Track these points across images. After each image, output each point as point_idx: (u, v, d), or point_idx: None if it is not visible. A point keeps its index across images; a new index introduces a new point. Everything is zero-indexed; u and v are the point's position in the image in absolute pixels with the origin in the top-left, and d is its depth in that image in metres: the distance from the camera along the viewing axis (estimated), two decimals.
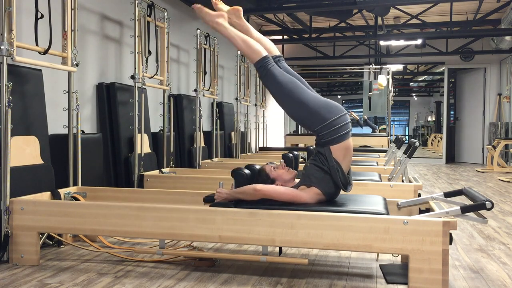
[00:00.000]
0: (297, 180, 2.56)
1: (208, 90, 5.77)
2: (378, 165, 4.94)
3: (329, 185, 2.40)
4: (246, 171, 2.54)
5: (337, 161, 2.38)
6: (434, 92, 20.86)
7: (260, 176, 2.52)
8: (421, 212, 2.61)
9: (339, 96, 22.46)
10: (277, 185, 2.50)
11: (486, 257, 2.89)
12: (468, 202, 2.26)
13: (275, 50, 2.65)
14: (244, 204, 2.44)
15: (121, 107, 4.22)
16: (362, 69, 10.96)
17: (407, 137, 21.95)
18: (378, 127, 13.82)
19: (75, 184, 3.25)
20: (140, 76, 4.12)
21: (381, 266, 2.62)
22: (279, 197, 2.37)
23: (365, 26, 9.17)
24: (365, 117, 12.26)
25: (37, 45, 2.98)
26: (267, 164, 2.60)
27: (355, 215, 2.24)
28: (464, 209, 2.17)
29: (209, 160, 5.67)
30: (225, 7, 2.73)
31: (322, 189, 2.39)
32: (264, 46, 2.60)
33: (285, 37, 9.67)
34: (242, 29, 2.67)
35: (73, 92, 3.26)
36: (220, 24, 2.60)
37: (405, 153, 3.88)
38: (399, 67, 13.11)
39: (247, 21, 10.12)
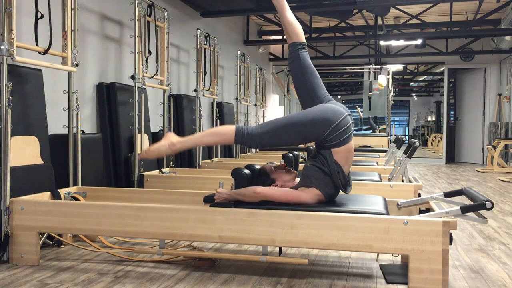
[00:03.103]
0: (297, 180, 2.56)
1: (208, 90, 5.77)
2: (378, 165, 4.94)
3: (329, 186, 2.40)
4: (246, 171, 2.54)
5: (338, 163, 2.36)
6: (434, 92, 20.87)
7: (260, 176, 2.52)
8: (421, 212, 2.61)
9: (339, 96, 22.47)
10: (277, 185, 2.50)
11: (486, 257, 2.89)
12: (468, 202, 2.26)
13: (302, 37, 2.61)
14: (244, 204, 2.44)
15: (121, 107, 4.22)
16: (362, 69, 10.96)
17: (407, 137, 21.95)
18: (378, 127, 13.83)
19: (75, 184, 3.25)
20: (140, 76, 4.12)
21: (381, 266, 2.62)
22: (279, 199, 2.37)
23: (365, 26, 9.18)
24: (369, 116, 12.30)
25: (37, 45, 2.98)
26: (267, 164, 2.61)
27: (355, 215, 2.24)
28: (464, 209, 2.17)
29: (209, 160, 5.68)
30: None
31: (322, 190, 2.39)
32: (294, 30, 2.60)
33: (285, 37, 9.66)
34: None
35: (73, 92, 3.26)
36: (177, 143, 2.46)
37: (405, 153, 3.88)
38: (399, 67, 13.12)
39: (247, 21, 10.09)
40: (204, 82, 5.59)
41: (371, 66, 10.53)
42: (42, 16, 3.05)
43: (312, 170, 2.41)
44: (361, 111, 12.50)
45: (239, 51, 7.02)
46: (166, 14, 4.61)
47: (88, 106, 4.04)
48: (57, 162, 3.25)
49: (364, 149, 7.82)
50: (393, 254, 2.82)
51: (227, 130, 2.38)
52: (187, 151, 5.52)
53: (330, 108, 2.34)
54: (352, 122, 2.41)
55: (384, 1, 6.34)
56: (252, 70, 8.62)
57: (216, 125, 6.09)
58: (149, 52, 4.29)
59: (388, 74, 10.20)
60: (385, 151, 7.13)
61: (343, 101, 22.61)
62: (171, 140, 2.43)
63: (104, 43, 4.28)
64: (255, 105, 8.48)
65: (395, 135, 8.74)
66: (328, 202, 2.44)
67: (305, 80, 2.48)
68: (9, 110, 2.63)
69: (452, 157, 11.38)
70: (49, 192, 2.93)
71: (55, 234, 2.92)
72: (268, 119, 9.47)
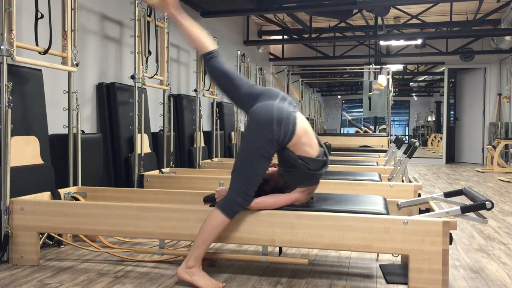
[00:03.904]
0: None
1: (208, 90, 5.77)
2: (378, 165, 4.94)
3: (308, 177, 2.34)
4: None
5: (301, 156, 2.28)
6: (434, 92, 20.88)
7: None
8: (421, 212, 2.61)
9: (339, 96, 22.47)
10: (270, 184, 2.50)
11: (486, 257, 2.89)
12: (468, 202, 2.26)
13: (207, 47, 2.47)
14: None
15: (121, 107, 4.22)
16: (362, 69, 10.97)
17: (407, 137, 21.96)
18: (364, 127, 13.82)
19: (75, 184, 3.25)
20: (140, 76, 4.12)
21: (381, 266, 2.62)
22: (272, 207, 2.36)
23: (365, 26, 9.18)
24: (350, 117, 12.29)
25: (37, 45, 2.98)
26: None
27: (355, 215, 2.24)
28: (464, 209, 2.17)
29: (209, 160, 5.67)
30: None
31: (304, 185, 2.36)
32: (196, 44, 2.49)
33: (285, 37, 9.68)
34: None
35: (73, 92, 3.26)
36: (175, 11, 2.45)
37: (405, 153, 3.88)
38: (399, 67, 13.12)
39: (247, 21, 10.09)
40: (204, 82, 5.59)
41: (371, 66, 10.54)
42: (42, 16, 3.05)
43: (285, 175, 2.39)
44: (349, 115, 12.60)
45: (239, 51, 7.02)
46: (166, 14, 4.61)
47: (88, 106, 4.04)
48: (57, 162, 3.25)
49: (364, 149, 7.82)
50: (393, 254, 2.82)
51: (218, 221, 2.25)
52: (187, 151, 5.52)
53: (262, 113, 2.21)
54: (288, 101, 2.31)
55: (384, 1, 6.34)
56: (252, 70, 8.62)
57: (216, 125, 6.09)
58: (149, 52, 4.29)
59: (388, 74, 10.20)
60: (385, 151, 7.14)
61: (343, 101, 22.63)
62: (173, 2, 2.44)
63: (104, 43, 4.28)
64: None
65: (395, 135, 8.75)
66: (328, 202, 2.44)
67: (228, 87, 2.40)
68: (9, 110, 2.63)
69: (452, 157, 11.38)
70: (49, 192, 2.93)
71: (55, 234, 2.92)
72: None
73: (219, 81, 2.43)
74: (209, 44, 2.44)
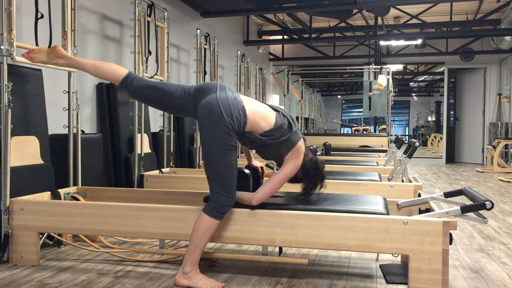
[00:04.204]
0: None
1: None
2: (378, 165, 4.94)
3: (283, 144, 2.32)
4: (247, 171, 2.53)
5: (263, 133, 2.28)
6: (434, 92, 20.87)
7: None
8: (421, 212, 2.61)
9: (339, 96, 22.47)
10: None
11: (486, 257, 2.89)
12: (468, 202, 2.27)
13: (118, 75, 2.41)
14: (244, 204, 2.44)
15: (121, 107, 4.22)
16: (362, 69, 10.97)
17: (407, 137, 21.96)
18: (355, 126, 13.83)
19: (75, 184, 3.25)
20: (140, 76, 4.12)
21: (381, 266, 2.62)
22: (273, 191, 2.35)
23: (365, 26, 9.18)
24: (340, 122, 12.40)
25: (37, 45, 2.98)
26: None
27: (355, 215, 2.24)
28: (464, 209, 2.17)
29: None
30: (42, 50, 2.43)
31: (286, 151, 2.34)
32: (107, 78, 2.41)
33: (285, 37, 9.68)
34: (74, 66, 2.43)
35: (73, 92, 3.26)
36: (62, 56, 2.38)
37: (405, 153, 3.88)
38: (399, 67, 13.12)
39: (247, 21, 10.05)
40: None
41: (371, 66, 10.53)
42: (42, 16, 3.05)
43: (262, 154, 2.39)
44: (337, 120, 12.71)
45: (239, 51, 7.02)
46: (166, 14, 4.61)
47: (88, 106, 4.04)
48: (57, 162, 3.25)
49: (364, 149, 7.82)
50: (393, 254, 2.82)
51: (207, 224, 2.24)
52: (187, 151, 5.52)
53: (208, 110, 2.21)
54: (227, 89, 2.29)
55: (384, 1, 6.34)
56: (252, 70, 8.62)
57: None
58: (149, 52, 4.29)
59: (388, 74, 10.20)
60: (385, 151, 7.13)
61: (343, 101, 22.63)
62: (59, 52, 2.37)
63: (104, 43, 4.28)
64: None
65: (395, 135, 8.75)
66: (328, 202, 2.44)
67: (162, 100, 2.34)
68: (9, 110, 2.63)
69: (452, 157, 11.38)
70: (49, 192, 2.93)
71: (55, 234, 2.92)
72: None
73: (150, 98, 2.35)
74: (121, 69, 2.39)
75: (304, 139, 2.45)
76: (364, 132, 12.95)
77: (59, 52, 2.38)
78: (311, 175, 2.46)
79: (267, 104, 2.43)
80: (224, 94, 2.26)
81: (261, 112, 2.31)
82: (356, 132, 13.01)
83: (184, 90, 2.33)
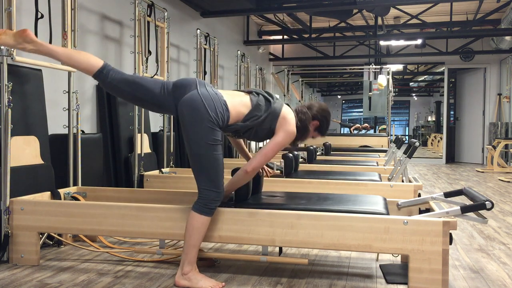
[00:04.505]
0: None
1: None
2: (378, 165, 4.94)
3: (268, 118, 2.32)
4: None
5: (246, 118, 2.29)
6: (434, 92, 20.87)
7: None
8: (421, 212, 2.61)
9: (339, 96, 22.46)
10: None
11: (486, 257, 2.89)
12: (468, 202, 2.26)
13: (94, 66, 2.28)
14: (244, 204, 2.44)
15: (121, 107, 4.22)
16: (362, 69, 10.96)
17: (407, 137, 21.96)
18: (353, 126, 13.85)
19: (75, 184, 3.25)
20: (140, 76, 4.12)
21: (381, 266, 2.62)
22: (268, 160, 2.32)
23: (365, 26, 9.18)
24: (339, 121, 12.51)
25: None
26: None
27: (355, 215, 2.24)
28: (464, 209, 2.17)
29: None
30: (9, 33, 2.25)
31: (273, 122, 2.34)
32: (81, 67, 2.26)
33: (285, 37, 9.68)
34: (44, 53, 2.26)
35: (73, 92, 3.26)
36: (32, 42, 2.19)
37: (405, 153, 3.88)
38: (399, 67, 13.12)
39: (247, 21, 10.04)
40: None
41: (371, 66, 10.53)
42: (42, 16, 3.05)
43: (254, 137, 2.39)
44: (336, 119, 12.78)
45: (239, 51, 7.02)
46: (166, 14, 4.61)
47: (88, 106, 4.04)
48: (57, 162, 3.25)
49: (364, 149, 7.82)
50: (393, 254, 2.82)
51: (199, 223, 2.24)
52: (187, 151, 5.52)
53: (192, 108, 2.19)
54: (205, 84, 2.28)
55: (384, 1, 6.34)
56: (252, 70, 8.61)
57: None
58: (149, 52, 4.29)
59: (388, 74, 10.20)
60: (385, 151, 7.13)
61: (343, 101, 22.63)
62: (28, 36, 2.18)
63: (104, 43, 4.28)
64: None
65: (395, 135, 8.75)
66: (328, 201, 2.44)
67: (140, 95, 2.27)
68: (9, 110, 2.63)
69: (452, 157, 11.37)
70: (49, 192, 2.93)
71: (55, 234, 2.92)
72: None
73: (127, 92, 2.27)
74: (96, 60, 2.26)
75: (288, 105, 2.45)
76: (364, 131, 12.92)
77: (28, 37, 2.18)
78: (299, 128, 2.43)
79: (240, 91, 2.43)
80: (204, 89, 2.25)
81: (238, 101, 2.32)
82: (356, 131, 12.99)
83: (163, 86, 2.29)
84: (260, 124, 2.33)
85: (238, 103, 2.32)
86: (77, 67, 2.27)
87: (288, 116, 2.37)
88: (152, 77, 4.32)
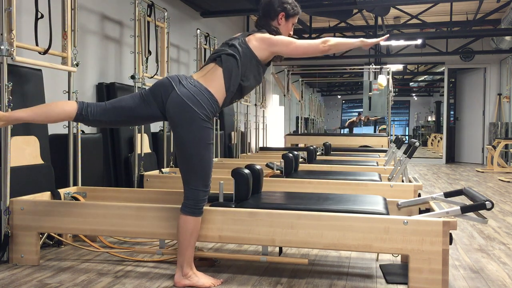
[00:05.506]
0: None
1: None
2: (378, 165, 4.94)
3: (246, 60, 2.34)
4: (246, 171, 2.54)
5: (227, 88, 2.28)
6: (434, 92, 20.88)
7: None
8: (421, 212, 2.61)
9: (339, 96, 22.47)
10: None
11: (486, 257, 2.89)
12: (468, 202, 2.26)
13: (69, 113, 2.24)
14: (244, 204, 2.44)
15: None
16: (362, 69, 10.96)
17: (407, 137, 21.96)
18: (347, 122, 13.90)
19: (75, 184, 3.25)
20: (140, 76, 4.12)
21: (381, 266, 2.62)
22: (300, 44, 2.40)
23: (365, 26, 9.18)
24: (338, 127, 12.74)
25: (37, 45, 2.98)
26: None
27: (355, 215, 2.24)
28: (464, 209, 2.17)
29: None
30: None
31: (254, 56, 2.37)
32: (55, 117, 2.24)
33: None
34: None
35: (73, 92, 3.26)
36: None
37: (405, 153, 3.88)
38: (399, 67, 13.11)
39: (247, 21, 10.00)
40: None
41: (371, 66, 10.53)
42: (42, 16, 3.04)
43: (251, 81, 2.38)
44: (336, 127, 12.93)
45: None
46: (166, 14, 4.61)
47: None
48: (57, 162, 3.25)
49: (364, 149, 7.82)
50: (393, 254, 2.82)
51: (191, 224, 2.25)
52: None
53: (181, 110, 2.19)
54: (185, 79, 2.25)
55: (384, 1, 6.34)
56: None
57: (216, 125, 6.08)
58: (149, 52, 4.29)
59: (388, 74, 10.20)
60: (385, 151, 7.13)
61: (343, 101, 22.64)
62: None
63: (104, 43, 4.28)
64: (255, 105, 8.48)
65: (395, 135, 8.75)
66: (328, 201, 2.44)
67: (126, 117, 2.27)
68: (9, 110, 2.63)
69: (452, 157, 11.37)
70: (49, 192, 2.93)
71: (55, 234, 2.92)
72: (268, 119, 9.49)
73: (113, 120, 2.26)
74: (69, 104, 2.25)
75: (251, 33, 2.43)
76: (361, 120, 12.87)
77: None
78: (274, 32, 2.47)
79: (206, 64, 2.38)
80: (183, 88, 2.21)
81: (212, 78, 2.28)
82: (353, 123, 12.97)
83: (142, 97, 2.26)
84: (244, 74, 2.31)
85: (213, 79, 2.27)
86: (56, 120, 2.25)
87: (257, 35, 2.39)
88: (151, 77, 4.32)
